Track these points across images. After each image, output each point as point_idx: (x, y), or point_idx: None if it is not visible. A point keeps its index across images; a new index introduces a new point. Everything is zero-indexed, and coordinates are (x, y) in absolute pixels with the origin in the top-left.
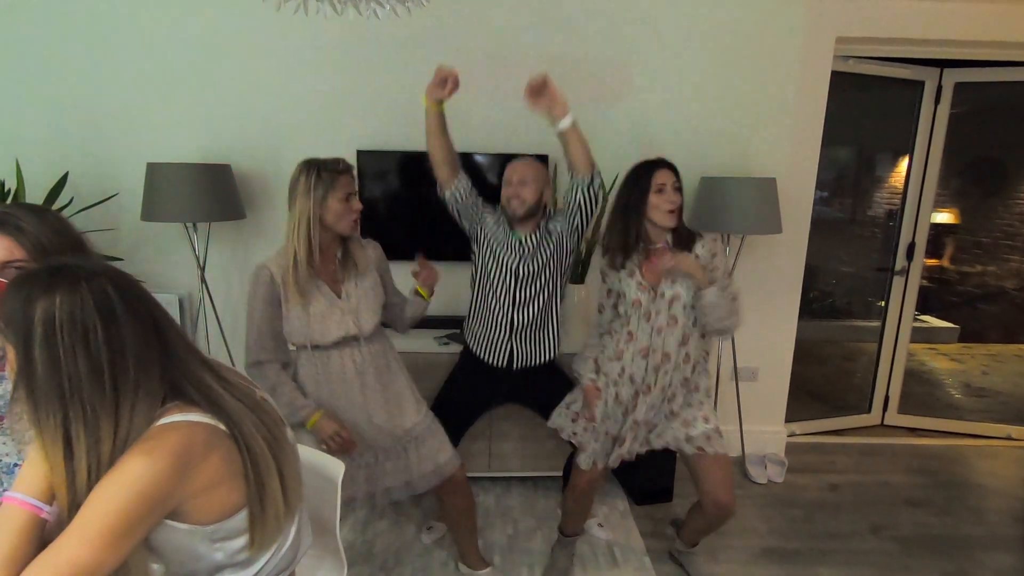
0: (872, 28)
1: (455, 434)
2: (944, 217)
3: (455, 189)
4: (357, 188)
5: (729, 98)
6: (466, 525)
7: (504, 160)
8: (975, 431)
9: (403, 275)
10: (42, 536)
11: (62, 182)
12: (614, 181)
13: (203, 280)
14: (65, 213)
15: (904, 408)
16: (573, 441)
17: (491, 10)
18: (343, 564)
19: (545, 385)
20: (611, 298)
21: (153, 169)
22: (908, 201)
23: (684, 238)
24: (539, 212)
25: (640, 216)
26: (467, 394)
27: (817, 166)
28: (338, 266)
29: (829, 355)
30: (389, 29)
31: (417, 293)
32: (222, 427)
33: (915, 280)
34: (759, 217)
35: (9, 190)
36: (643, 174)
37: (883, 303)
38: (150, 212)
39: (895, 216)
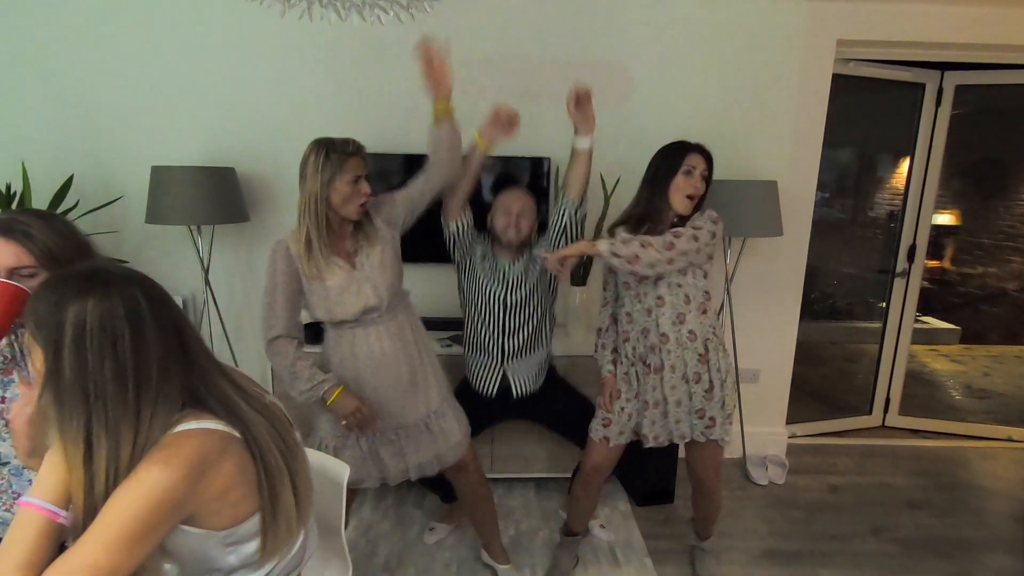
0: (873, 31)
1: None
2: (945, 219)
3: (461, 222)
4: (367, 171)
5: (730, 101)
6: (483, 515)
7: (505, 163)
8: (976, 433)
9: (407, 279)
10: (58, 541)
11: (67, 185)
12: (615, 183)
13: (207, 282)
14: (70, 216)
15: (905, 410)
16: (594, 427)
17: (492, 13)
18: (348, 565)
19: (548, 402)
20: (612, 276)
21: (158, 172)
22: (909, 203)
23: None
24: (527, 243)
25: (663, 191)
26: (468, 412)
27: (818, 169)
28: (350, 238)
29: (830, 357)
30: (392, 33)
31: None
32: (236, 433)
33: (916, 282)
34: (760, 220)
35: (15, 193)
36: (677, 152)
37: (884, 304)
38: (154, 215)
39: (896, 218)
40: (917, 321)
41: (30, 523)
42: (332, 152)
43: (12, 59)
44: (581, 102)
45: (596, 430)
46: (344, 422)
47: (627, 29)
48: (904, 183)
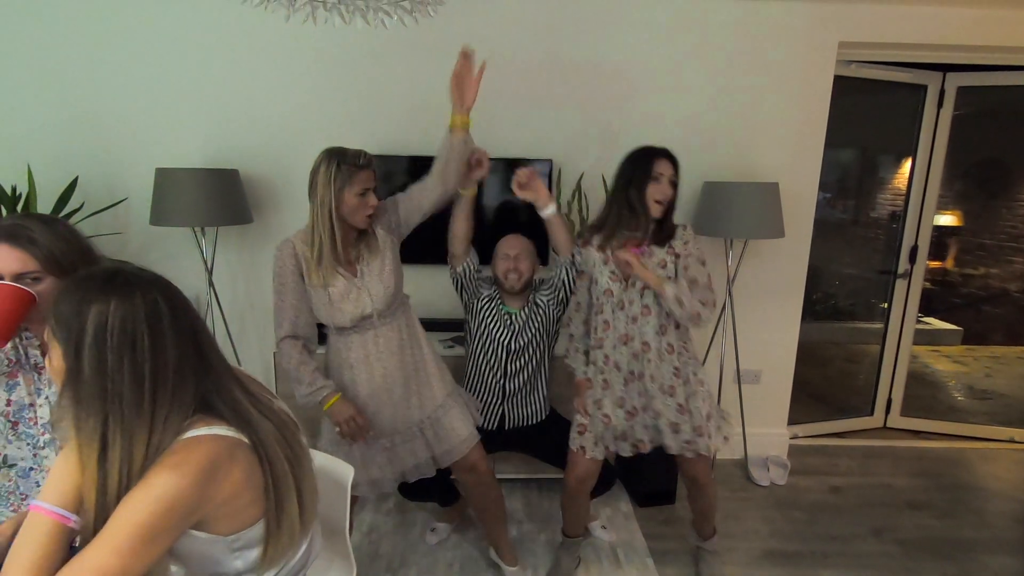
0: (875, 33)
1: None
2: (947, 219)
3: (466, 265)
4: (376, 184)
5: (732, 103)
6: (492, 514)
7: (507, 165)
8: (978, 434)
9: (409, 281)
10: (68, 545)
11: (72, 187)
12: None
13: (211, 284)
14: (75, 217)
15: (907, 411)
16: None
17: (495, 17)
18: (352, 566)
19: (541, 437)
20: (585, 280)
21: (162, 174)
22: (911, 204)
23: (666, 232)
24: (530, 286)
25: (633, 198)
26: None
27: (820, 170)
28: (353, 247)
29: (832, 357)
30: (395, 36)
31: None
32: (245, 439)
33: (918, 282)
34: (762, 221)
35: (21, 195)
36: (644, 159)
37: (886, 305)
38: (159, 216)
39: (898, 218)
40: (919, 322)
41: (40, 527)
42: (343, 164)
43: (17, 62)
44: (523, 186)
45: (573, 439)
46: (338, 429)
47: (629, 31)
48: (906, 184)
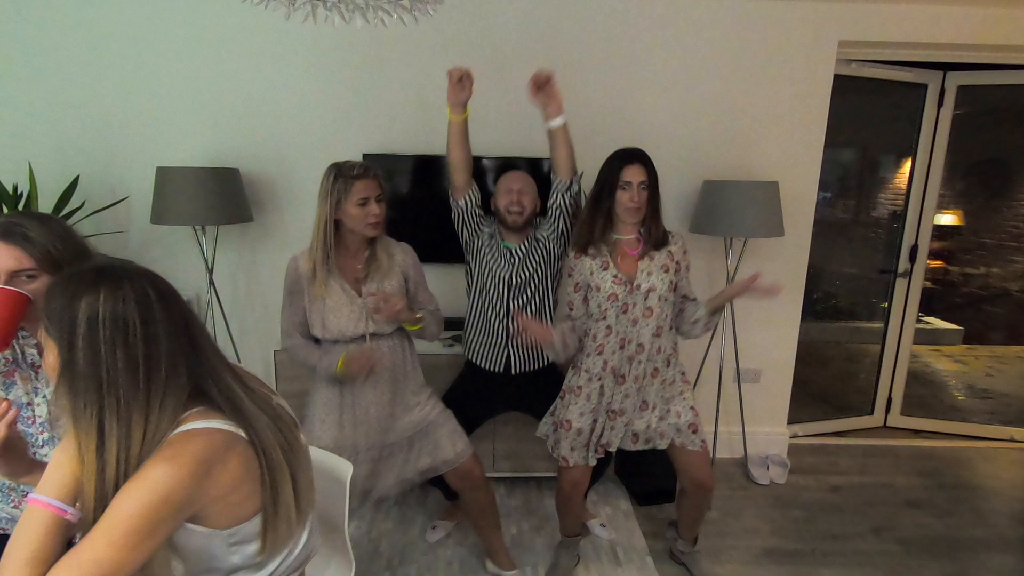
0: (875, 32)
1: None
2: (948, 219)
3: (468, 198)
4: (380, 192)
5: (731, 101)
6: (487, 521)
7: (507, 163)
8: (978, 433)
9: None
10: (66, 537)
11: (73, 186)
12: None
13: (211, 282)
14: (76, 216)
15: (907, 410)
16: (551, 447)
17: (495, 15)
18: (351, 563)
19: (544, 393)
20: (579, 292)
21: (162, 173)
22: (911, 203)
23: (658, 236)
24: (531, 224)
25: (607, 207)
26: (468, 402)
27: (820, 169)
28: (364, 265)
29: (832, 357)
30: (395, 35)
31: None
32: (241, 433)
33: (918, 282)
34: (761, 220)
35: (22, 193)
36: (613, 167)
37: (886, 305)
38: (159, 215)
39: (898, 218)
40: (919, 321)
41: (38, 520)
42: (339, 176)
43: (18, 61)
44: (540, 86)
45: (552, 449)
46: (359, 371)
47: (628, 30)
48: (906, 183)
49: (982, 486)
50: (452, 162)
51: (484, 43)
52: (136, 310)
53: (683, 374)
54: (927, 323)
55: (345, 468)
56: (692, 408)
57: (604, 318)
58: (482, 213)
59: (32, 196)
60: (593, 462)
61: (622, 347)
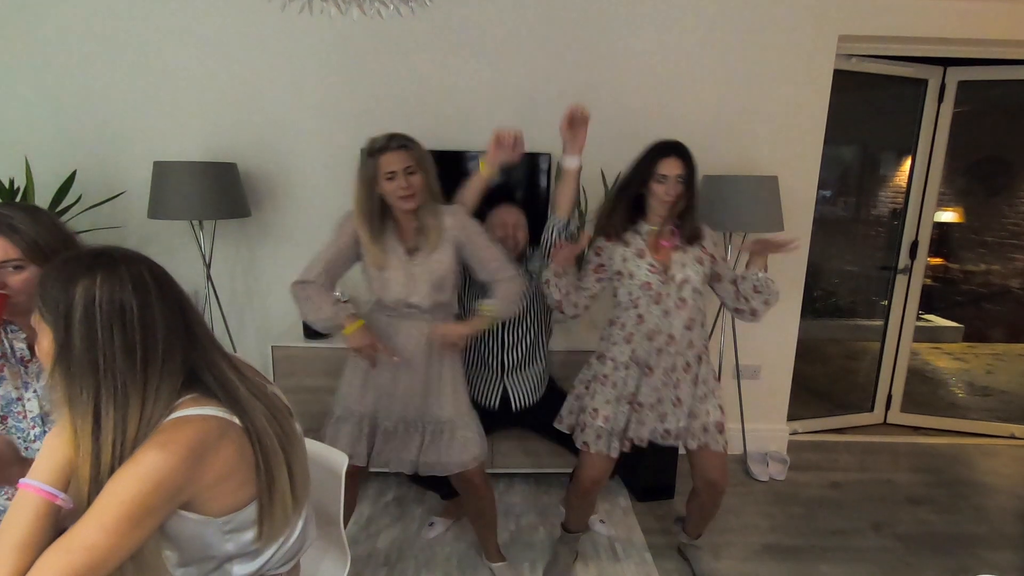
0: (875, 26)
1: None
2: (949, 216)
3: None
4: (410, 163)
5: (731, 96)
6: (482, 522)
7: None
8: (978, 430)
9: None
10: (57, 522)
11: (70, 180)
12: (616, 179)
13: (208, 277)
14: (73, 211)
15: (907, 407)
16: (576, 434)
17: (494, 8)
18: (347, 556)
19: (544, 410)
20: (598, 273)
21: (160, 167)
22: (911, 199)
23: (694, 230)
24: (524, 256)
25: (639, 196)
26: None
27: (819, 164)
28: (413, 234)
29: (832, 353)
30: (393, 28)
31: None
32: (235, 420)
33: (918, 279)
34: (761, 215)
35: (18, 188)
36: (651, 159)
37: (886, 302)
38: (157, 210)
39: (899, 214)
40: (920, 319)
41: (28, 504)
42: (368, 153)
43: (15, 55)
44: (575, 123)
45: (576, 437)
46: (356, 351)
47: (628, 25)
48: (907, 179)
49: (982, 483)
50: (462, 203)
51: (481, 37)
52: (133, 295)
53: (714, 372)
54: (927, 320)
55: (340, 460)
56: (720, 407)
57: (636, 306)
58: None
59: (29, 190)
60: (615, 453)
61: (651, 338)
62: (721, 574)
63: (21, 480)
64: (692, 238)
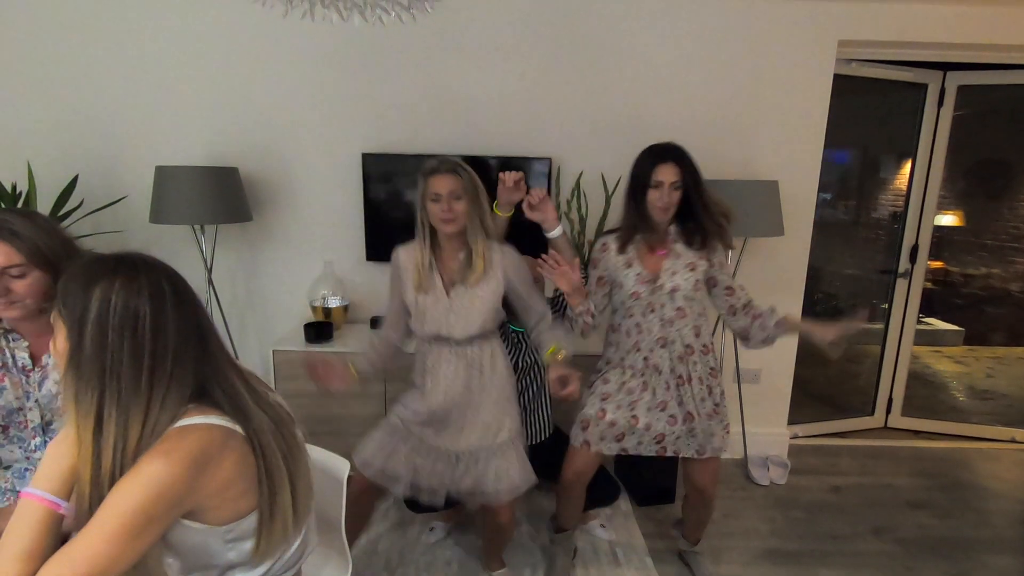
0: (875, 31)
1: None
2: (949, 219)
3: None
4: (456, 187)
5: (732, 100)
6: (497, 539)
7: (506, 163)
8: (979, 434)
9: None
10: (59, 531)
11: (72, 185)
12: (616, 183)
13: (210, 282)
14: (75, 215)
15: (908, 411)
16: (575, 433)
17: (494, 13)
18: (348, 562)
19: (542, 455)
20: (603, 286)
21: (161, 172)
22: (911, 203)
23: (703, 235)
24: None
25: (640, 204)
26: None
27: (819, 169)
28: (460, 266)
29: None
30: (394, 33)
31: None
32: (239, 430)
33: (919, 282)
34: (761, 220)
35: (21, 192)
36: (645, 165)
37: (887, 306)
38: (158, 214)
39: (899, 218)
40: (920, 322)
41: (31, 513)
42: (421, 174)
43: (17, 60)
44: (534, 207)
45: (575, 435)
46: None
47: (628, 29)
48: (907, 183)
49: (983, 487)
50: None
51: (482, 41)
52: (149, 302)
53: (723, 388)
54: (927, 324)
55: (343, 467)
56: (726, 428)
57: (630, 315)
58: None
59: (31, 195)
60: (609, 452)
61: (664, 346)
62: None
63: (24, 490)
64: (702, 242)
